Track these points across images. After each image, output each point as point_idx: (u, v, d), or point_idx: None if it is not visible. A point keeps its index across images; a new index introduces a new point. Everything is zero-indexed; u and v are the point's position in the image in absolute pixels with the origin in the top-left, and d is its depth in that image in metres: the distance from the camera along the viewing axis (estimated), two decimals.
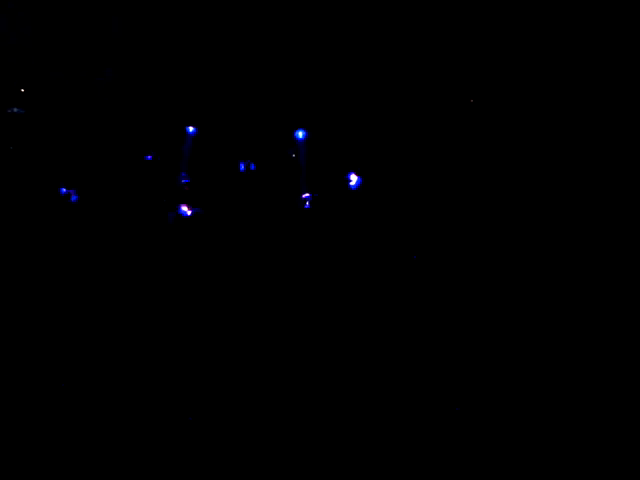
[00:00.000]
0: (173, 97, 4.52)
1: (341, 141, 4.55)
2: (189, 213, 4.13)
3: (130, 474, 2.60)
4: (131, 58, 4.24)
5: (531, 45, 4.02)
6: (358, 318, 3.51)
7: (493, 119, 4.19)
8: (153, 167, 4.49)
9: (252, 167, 4.58)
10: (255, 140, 4.70)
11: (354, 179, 4.28)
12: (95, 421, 2.82)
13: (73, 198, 4.07)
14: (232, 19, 4.26)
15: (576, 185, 3.80)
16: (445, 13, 4.07)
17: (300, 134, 4.64)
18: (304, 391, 3.07)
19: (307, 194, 4.43)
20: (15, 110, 4.45)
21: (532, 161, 3.98)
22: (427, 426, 2.84)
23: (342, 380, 3.14)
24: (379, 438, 2.78)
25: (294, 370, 3.23)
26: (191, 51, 4.37)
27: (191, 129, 4.71)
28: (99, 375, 3.14)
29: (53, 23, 3.95)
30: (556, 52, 3.96)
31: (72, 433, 2.75)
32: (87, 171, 4.33)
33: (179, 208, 4.17)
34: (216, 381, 3.17)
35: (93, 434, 2.74)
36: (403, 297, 3.59)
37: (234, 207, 4.43)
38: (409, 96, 4.33)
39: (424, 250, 3.82)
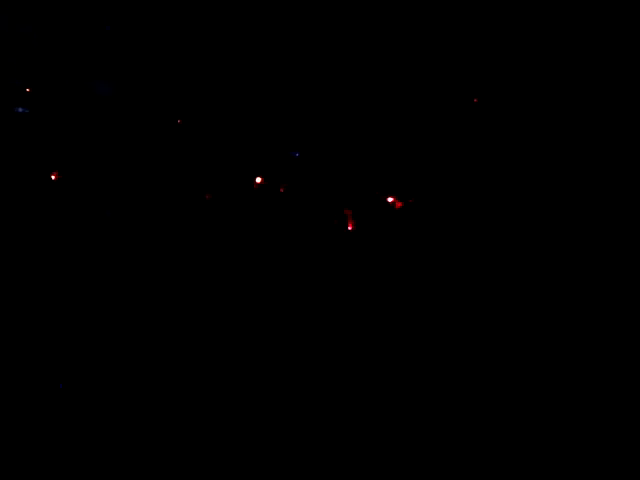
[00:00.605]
0: (174, 99, 4.53)
1: (344, 144, 4.53)
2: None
3: (129, 474, 2.61)
4: (133, 57, 4.25)
5: (535, 44, 3.99)
6: (358, 317, 3.51)
7: (498, 119, 4.16)
8: (154, 168, 4.50)
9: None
10: (258, 143, 4.69)
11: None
12: (93, 421, 2.83)
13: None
14: (232, 22, 4.26)
15: (579, 186, 3.77)
16: (446, 13, 4.05)
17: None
18: (304, 390, 3.07)
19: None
20: (20, 110, 4.47)
21: (537, 162, 3.95)
22: (427, 426, 2.84)
23: (342, 380, 3.14)
24: (379, 438, 2.78)
25: (294, 369, 3.23)
26: (194, 56, 4.37)
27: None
28: (97, 375, 3.15)
29: (54, 22, 3.96)
30: (560, 51, 3.94)
31: (70, 433, 2.76)
32: (88, 171, 4.34)
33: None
34: (215, 380, 3.17)
35: (91, 434, 2.76)
36: (403, 296, 3.59)
37: (239, 210, 4.43)
38: (411, 96, 4.31)
39: (424, 250, 3.81)
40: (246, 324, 3.53)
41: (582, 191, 3.73)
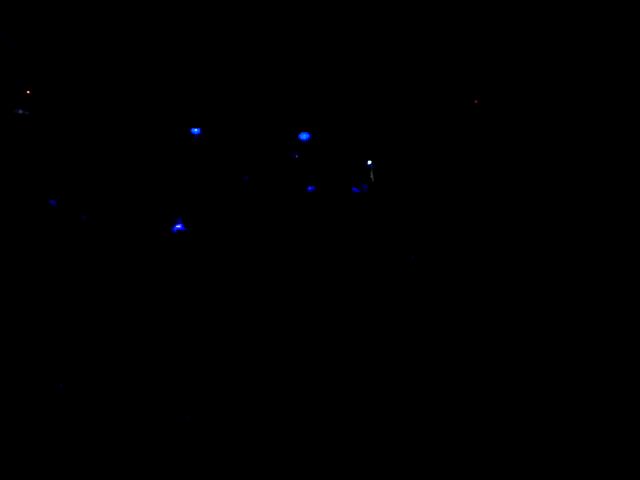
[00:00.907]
0: (176, 98, 4.53)
1: (345, 142, 4.54)
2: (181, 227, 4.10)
3: (127, 474, 2.61)
4: (132, 59, 4.25)
5: (537, 45, 4.00)
6: (358, 318, 3.51)
7: (499, 121, 4.17)
8: (156, 172, 4.49)
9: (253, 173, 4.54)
10: (259, 142, 4.69)
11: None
12: (92, 421, 2.83)
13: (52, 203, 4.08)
14: (235, 17, 4.26)
15: (580, 187, 3.78)
16: (447, 12, 4.06)
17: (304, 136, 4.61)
18: (304, 390, 3.07)
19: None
20: (20, 112, 4.49)
21: (538, 164, 3.96)
22: (427, 426, 2.84)
23: (342, 380, 3.14)
24: (379, 438, 2.78)
25: (294, 370, 3.23)
26: (193, 50, 4.37)
27: (195, 130, 4.70)
28: (96, 375, 3.16)
29: (52, 25, 3.97)
30: (563, 52, 3.95)
31: (69, 432, 2.76)
32: (86, 176, 4.34)
33: (178, 222, 4.14)
34: (214, 380, 3.17)
35: (90, 433, 2.76)
36: (402, 297, 3.59)
37: (239, 212, 4.42)
38: (412, 96, 4.32)
39: (424, 250, 3.81)
40: (244, 322, 3.53)
41: (581, 189, 3.74)
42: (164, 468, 2.70)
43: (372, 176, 4.33)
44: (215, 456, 2.76)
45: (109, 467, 2.66)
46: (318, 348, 3.36)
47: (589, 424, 2.81)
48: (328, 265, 3.88)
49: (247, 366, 3.25)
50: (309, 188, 4.38)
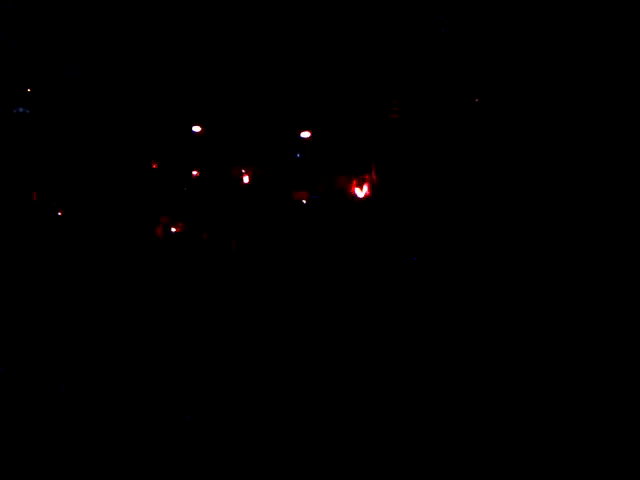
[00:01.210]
0: (177, 97, 4.52)
1: (344, 142, 4.53)
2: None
3: (128, 474, 2.62)
4: (133, 58, 4.25)
5: (537, 43, 3.99)
6: (358, 319, 3.51)
7: (499, 120, 4.16)
8: (158, 172, 4.49)
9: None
10: (259, 140, 4.68)
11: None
12: (93, 421, 2.84)
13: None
14: (235, 16, 4.26)
15: (580, 187, 3.78)
16: (447, 11, 4.05)
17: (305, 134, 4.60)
18: (304, 390, 3.08)
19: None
20: (21, 110, 4.48)
21: (538, 164, 3.95)
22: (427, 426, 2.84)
23: (342, 380, 3.15)
24: (379, 438, 2.78)
25: (294, 370, 3.24)
26: (194, 50, 4.36)
27: (197, 129, 4.69)
28: (97, 376, 3.17)
29: (52, 25, 3.97)
30: (562, 51, 3.94)
31: (70, 433, 2.77)
32: (87, 176, 4.33)
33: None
34: (214, 380, 3.18)
35: (91, 434, 2.77)
36: (403, 298, 3.59)
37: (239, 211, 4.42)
38: (412, 95, 4.31)
39: (424, 251, 3.81)
40: (245, 323, 3.54)
41: (580, 189, 3.74)
42: (164, 468, 2.71)
43: (375, 176, 4.33)
44: (215, 456, 2.77)
45: (110, 467, 2.68)
46: (319, 349, 3.37)
47: (589, 423, 2.82)
48: (329, 265, 3.88)
49: (247, 366, 3.26)
50: (313, 197, 4.39)
